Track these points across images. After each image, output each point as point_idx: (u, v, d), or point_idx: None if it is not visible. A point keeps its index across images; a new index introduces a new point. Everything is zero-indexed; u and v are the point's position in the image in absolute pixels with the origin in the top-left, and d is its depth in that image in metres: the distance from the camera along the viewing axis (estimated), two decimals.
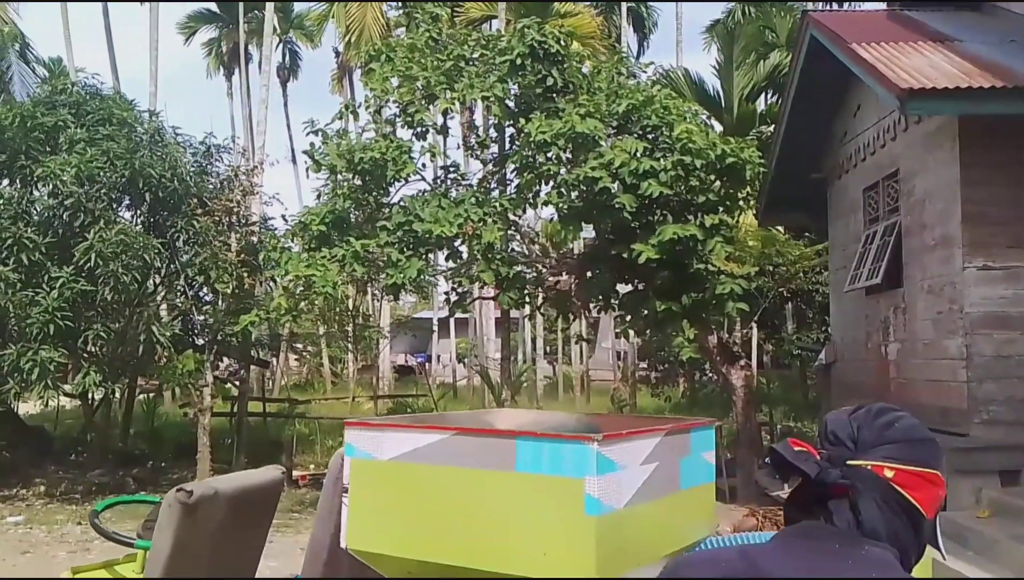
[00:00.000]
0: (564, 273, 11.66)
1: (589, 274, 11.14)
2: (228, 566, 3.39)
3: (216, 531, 3.19)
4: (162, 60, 29.28)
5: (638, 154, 9.36)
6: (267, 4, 21.60)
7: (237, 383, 14.80)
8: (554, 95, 10.37)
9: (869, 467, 1.38)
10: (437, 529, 2.02)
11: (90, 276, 10.50)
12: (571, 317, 12.67)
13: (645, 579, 1.46)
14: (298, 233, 10.64)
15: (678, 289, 10.14)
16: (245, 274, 12.32)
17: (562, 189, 10.03)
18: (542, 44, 10.15)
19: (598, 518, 1.85)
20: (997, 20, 9.64)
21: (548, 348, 28.83)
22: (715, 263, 10.37)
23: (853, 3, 23.80)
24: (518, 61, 10.12)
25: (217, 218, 12.09)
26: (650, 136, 10.04)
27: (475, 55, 10.88)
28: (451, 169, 11.57)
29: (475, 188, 10.97)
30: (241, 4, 27.68)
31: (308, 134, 10.91)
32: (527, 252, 11.78)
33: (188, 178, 11.96)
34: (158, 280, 12.67)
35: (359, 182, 10.48)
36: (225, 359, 14.42)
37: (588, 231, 11.56)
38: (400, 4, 18.53)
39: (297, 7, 32.53)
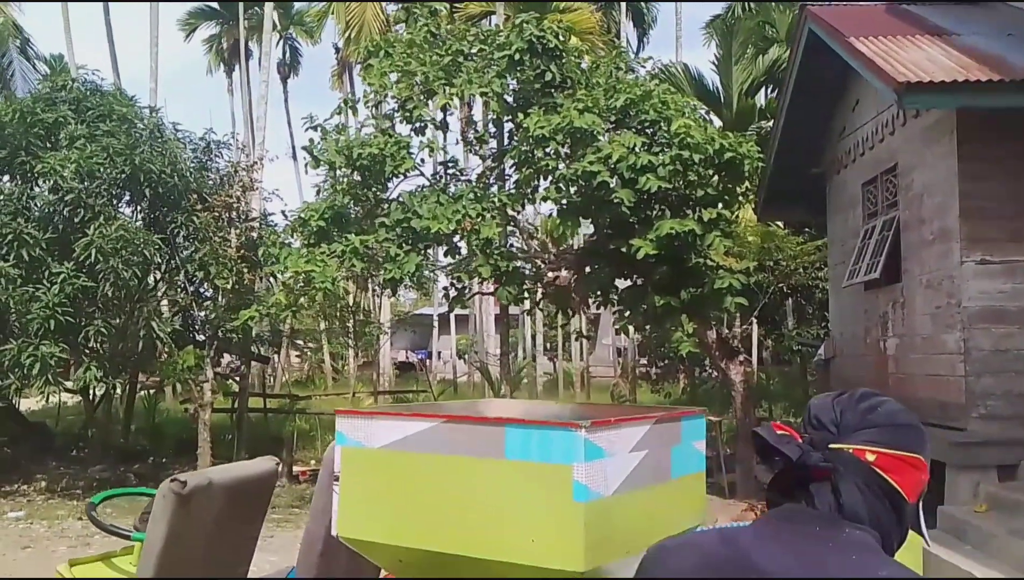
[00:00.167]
0: (563, 268, 11.68)
1: (588, 269, 11.15)
2: (222, 556, 3.40)
3: (210, 521, 3.20)
4: (163, 57, 29.31)
5: (636, 149, 9.37)
6: (267, 1, 21.58)
7: (237, 379, 14.82)
8: (552, 90, 10.38)
9: (851, 451, 1.38)
10: (427, 516, 2.03)
11: (90, 272, 10.52)
12: (570, 313, 12.67)
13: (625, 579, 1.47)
14: (297, 229, 10.67)
15: (677, 284, 10.15)
16: (245, 270, 12.33)
17: (560, 184, 10.05)
18: (540, 39, 10.16)
19: (586, 505, 1.86)
20: (995, 14, 9.61)
21: (548, 345, 28.83)
22: (714, 258, 10.38)
23: None
24: (516, 57, 10.13)
25: (217, 214, 12.10)
26: (648, 131, 10.06)
27: (473, 50, 10.89)
28: (450, 164, 11.58)
29: (474, 184, 10.98)
30: (241, 1, 27.67)
31: (307, 130, 10.94)
32: (526, 247, 11.79)
33: (188, 174, 11.98)
34: (158, 276, 12.69)
35: (358, 178, 10.50)
36: (226, 355, 14.44)
37: (587, 226, 11.57)
38: (399, 0, 18.53)
39: (297, 3, 32.55)
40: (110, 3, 24.77)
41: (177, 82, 71.59)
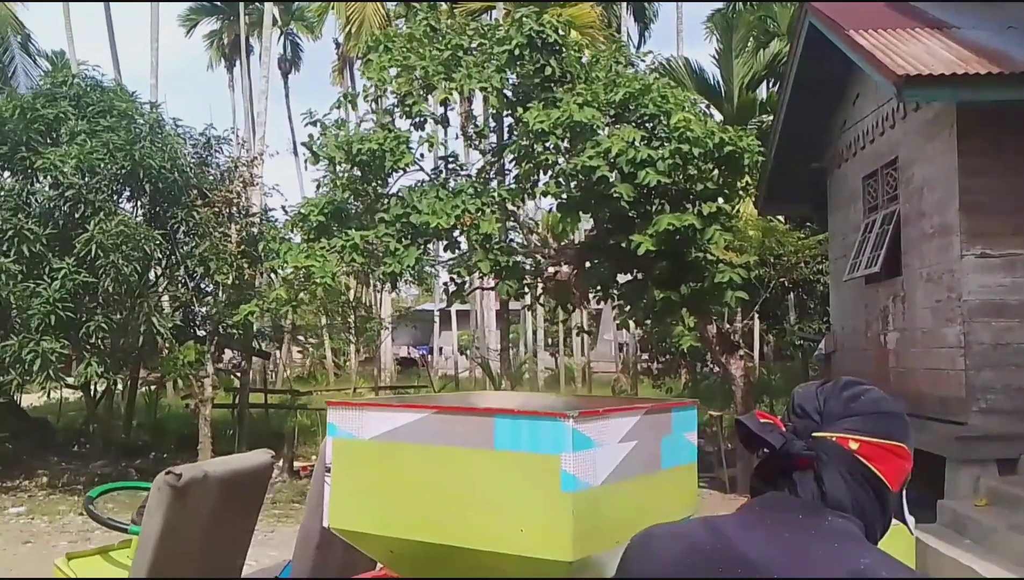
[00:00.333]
0: (563, 263, 11.67)
1: (588, 264, 11.15)
2: (218, 548, 3.41)
3: (206, 514, 3.21)
4: (164, 53, 29.30)
5: (636, 143, 9.35)
6: None
7: (238, 375, 14.84)
8: (552, 85, 10.36)
9: (834, 439, 1.38)
10: (417, 507, 2.03)
11: (91, 267, 10.53)
12: (570, 308, 12.66)
13: None
14: (297, 224, 10.67)
15: (677, 278, 10.15)
16: (245, 265, 12.34)
17: (560, 179, 10.04)
18: (540, 34, 10.14)
19: (574, 494, 1.86)
20: (996, 7, 9.58)
21: (550, 340, 28.84)
22: (714, 252, 10.37)
23: None
24: (516, 51, 10.11)
25: (217, 209, 12.11)
26: (648, 125, 10.04)
27: (473, 45, 10.88)
28: (450, 159, 11.58)
29: (473, 178, 10.98)
30: None
31: (306, 125, 10.94)
32: (526, 242, 11.79)
33: (188, 169, 11.99)
34: (159, 271, 12.70)
35: (358, 173, 10.50)
36: (227, 351, 14.45)
37: (587, 221, 11.56)
38: None
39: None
40: (111, 1, 24.74)
41: (178, 78, 71.73)
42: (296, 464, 12.46)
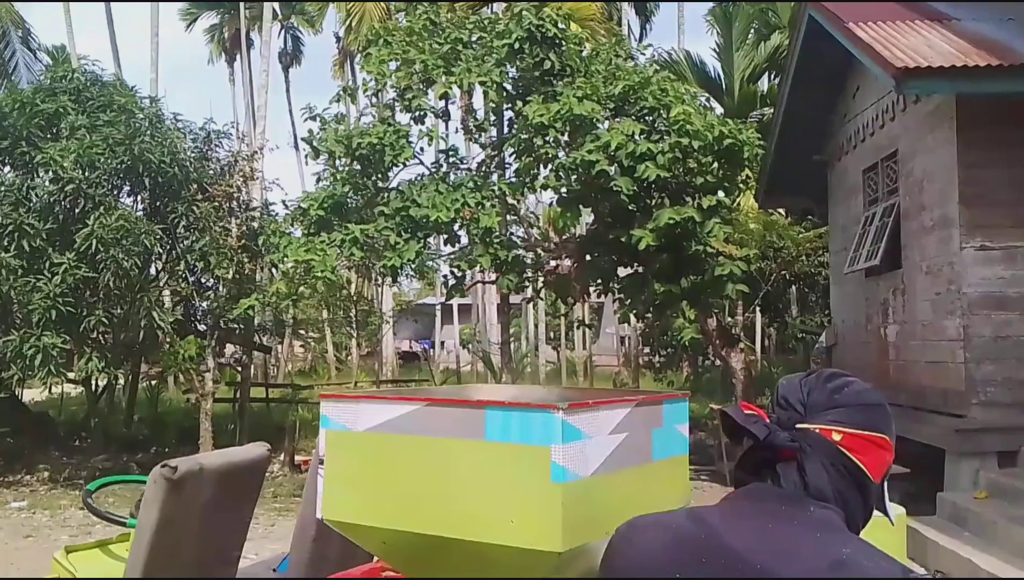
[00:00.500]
0: (564, 257, 11.67)
1: (588, 258, 11.15)
2: (214, 542, 3.42)
3: (202, 506, 3.22)
4: (164, 47, 29.31)
5: (635, 136, 9.35)
6: None
7: (240, 369, 14.87)
8: (552, 78, 10.36)
9: (817, 430, 1.39)
10: (409, 498, 2.04)
11: (91, 262, 10.55)
12: (571, 302, 12.67)
13: None
14: (298, 218, 10.68)
15: (677, 271, 10.15)
16: (245, 259, 12.35)
17: (560, 173, 10.04)
18: (540, 28, 10.13)
19: (564, 485, 1.87)
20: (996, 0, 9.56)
21: (551, 334, 28.85)
22: (714, 245, 10.37)
23: None
24: (516, 45, 10.11)
25: (217, 204, 12.12)
26: (647, 118, 10.03)
27: (473, 39, 10.87)
28: (450, 153, 11.58)
29: (473, 172, 10.98)
30: None
31: (306, 120, 10.94)
32: (526, 236, 11.79)
33: (188, 164, 11.99)
34: (159, 266, 12.71)
35: (358, 167, 10.50)
36: (229, 345, 14.48)
37: (588, 215, 11.55)
38: None
39: None
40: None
41: (179, 72, 71.70)
42: (297, 458, 12.48)
